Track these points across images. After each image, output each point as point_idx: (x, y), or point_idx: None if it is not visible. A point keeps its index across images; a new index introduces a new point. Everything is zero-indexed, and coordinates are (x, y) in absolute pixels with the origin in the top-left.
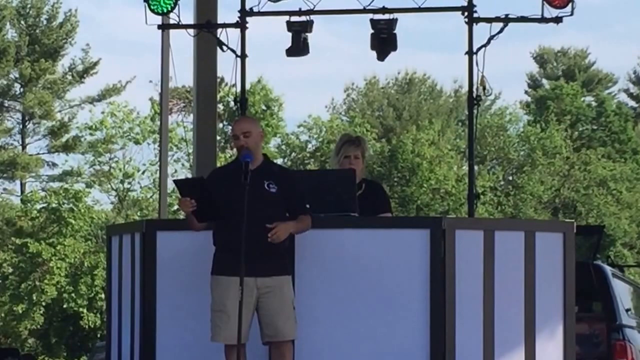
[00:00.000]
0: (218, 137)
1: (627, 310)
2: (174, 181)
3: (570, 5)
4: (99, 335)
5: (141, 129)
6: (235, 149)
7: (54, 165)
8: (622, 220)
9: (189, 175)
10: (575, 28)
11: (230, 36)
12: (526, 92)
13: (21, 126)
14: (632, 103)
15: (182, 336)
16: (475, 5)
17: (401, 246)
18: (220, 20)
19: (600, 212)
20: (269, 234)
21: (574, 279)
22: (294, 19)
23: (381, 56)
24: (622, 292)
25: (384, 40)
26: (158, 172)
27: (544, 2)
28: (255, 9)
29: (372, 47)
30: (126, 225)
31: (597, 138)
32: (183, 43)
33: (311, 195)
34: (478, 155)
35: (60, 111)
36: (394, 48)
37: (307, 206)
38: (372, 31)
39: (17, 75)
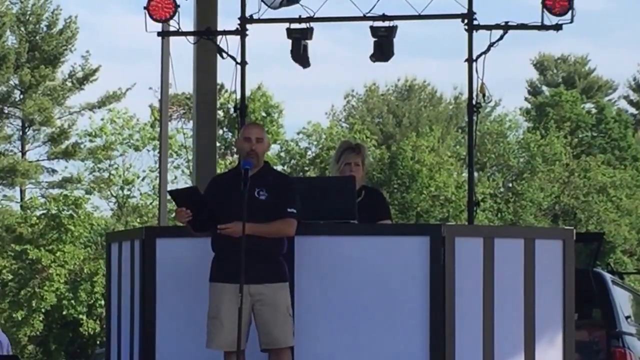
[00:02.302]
0: (218, 144)
1: (627, 317)
2: (169, 192)
3: (570, 12)
4: (98, 342)
5: (141, 136)
6: (236, 155)
7: (54, 171)
8: (622, 227)
9: (189, 183)
10: (575, 35)
11: (230, 43)
12: (526, 99)
13: (21, 133)
14: (632, 110)
15: (182, 343)
16: (475, 13)
17: (401, 253)
18: (220, 27)
19: (600, 219)
20: (220, 226)
21: (573, 286)
22: (294, 26)
23: (381, 60)
24: (621, 299)
25: (383, 47)
26: (158, 178)
27: (544, 10)
28: (255, 16)
29: (374, 54)
30: (126, 232)
31: (597, 145)
32: (183, 50)
33: (311, 202)
34: (478, 162)
35: (60, 118)
36: (392, 54)
37: (291, 210)
38: (374, 39)
39: (17, 82)
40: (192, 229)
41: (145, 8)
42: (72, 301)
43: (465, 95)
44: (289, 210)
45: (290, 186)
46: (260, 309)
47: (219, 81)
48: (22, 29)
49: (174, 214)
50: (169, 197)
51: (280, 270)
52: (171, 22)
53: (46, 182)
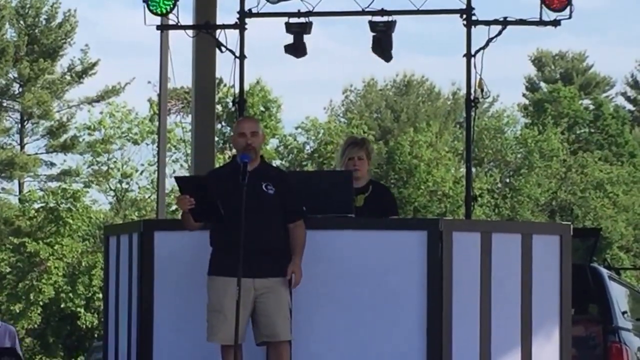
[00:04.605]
0: (216, 138)
1: (624, 312)
2: (175, 178)
3: (568, 8)
4: (96, 335)
5: (140, 130)
6: (234, 149)
7: (52, 165)
8: (619, 223)
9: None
10: (573, 31)
11: (229, 37)
12: (524, 94)
13: (20, 126)
14: (630, 106)
15: (179, 336)
16: (473, 8)
17: (398, 248)
18: (219, 21)
19: (597, 215)
20: (293, 285)
21: (570, 281)
22: (293, 20)
23: (386, 57)
24: (618, 294)
25: (381, 42)
26: (156, 172)
27: (542, 5)
28: (254, 10)
29: (374, 50)
30: (124, 225)
31: (594, 141)
32: (182, 44)
33: (309, 196)
34: (475, 158)
35: (58, 111)
36: (390, 56)
37: (304, 208)
38: (372, 34)
39: (15, 75)
40: (192, 217)
41: (144, 1)
42: (70, 294)
43: (463, 91)
44: (303, 208)
45: (293, 183)
46: (263, 302)
47: (217, 75)
48: (21, 22)
49: (172, 208)
50: (167, 190)
51: (282, 264)
52: (170, 15)
53: (45, 175)
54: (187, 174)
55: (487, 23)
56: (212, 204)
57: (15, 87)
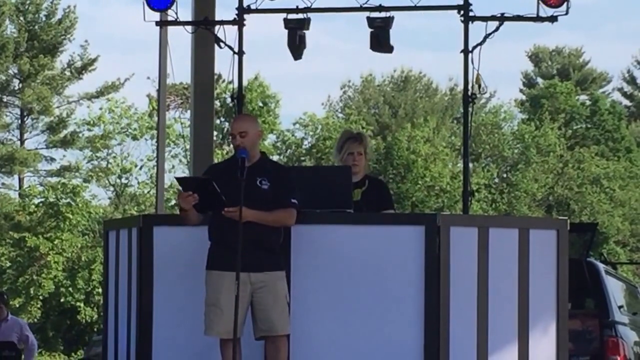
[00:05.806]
0: (215, 133)
1: (620, 307)
2: (177, 178)
3: (565, 4)
4: (95, 329)
5: (139, 125)
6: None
7: (52, 160)
8: (615, 218)
9: (186, 172)
10: (570, 27)
11: (227, 33)
12: (521, 90)
13: (20, 121)
14: (626, 102)
15: (179, 330)
16: (471, 4)
17: (396, 242)
18: (218, 17)
19: (594, 209)
20: (226, 209)
21: (567, 275)
22: (291, 16)
23: (387, 49)
24: (614, 289)
25: (379, 38)
26: (155, 167)
27: (539, 1)
28: (253, 6)
29: (372, 45)
30: (123, 220)
31: (590, 136)
32: (181, 40)
33: (307, 191)
34: (473, 153)
35: (58, 107)
36: (391, 47)
37: (294, 201)
38: (370, 30)
39: (15, 71)
40: (196, 210)
41: None
42: (70, 289)
43: (461, 87)
44: (292, 200)
45: (291, 177)
46: (260, 296)
47: (216, 71)
48: (21, 18)
49: (172, 202)
50: (166, 185)
51: (279, 259)
52: (169, 12)
53: (44, 170)
54: (186, 172)
55: (485, 19)
56: (215, 195)
57: (15, 83)
